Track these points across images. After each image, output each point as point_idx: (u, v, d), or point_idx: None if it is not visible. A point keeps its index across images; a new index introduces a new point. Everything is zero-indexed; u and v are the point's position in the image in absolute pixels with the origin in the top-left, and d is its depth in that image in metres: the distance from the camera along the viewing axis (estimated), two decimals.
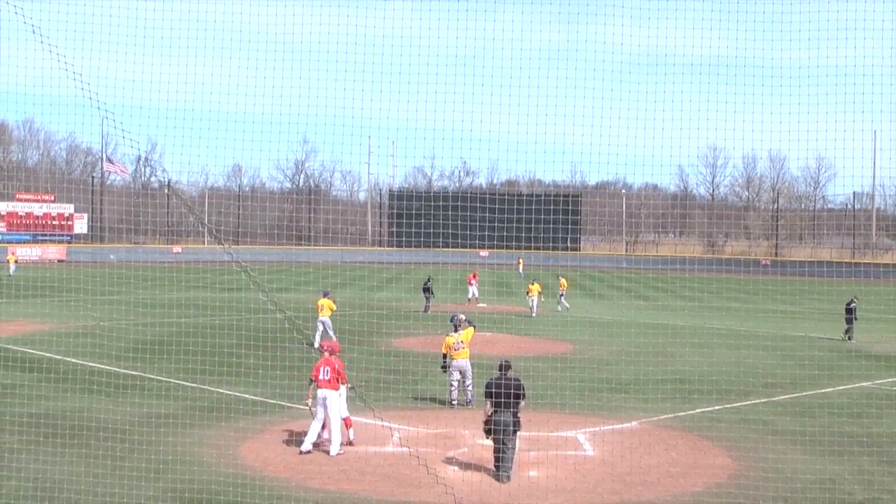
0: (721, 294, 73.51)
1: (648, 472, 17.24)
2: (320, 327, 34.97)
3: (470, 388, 23.06)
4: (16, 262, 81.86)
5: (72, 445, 18.39)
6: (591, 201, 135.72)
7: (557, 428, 20.78)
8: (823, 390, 26.91)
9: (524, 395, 17.07)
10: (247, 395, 24.27)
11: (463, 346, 22.95)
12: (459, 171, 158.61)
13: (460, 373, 23.04)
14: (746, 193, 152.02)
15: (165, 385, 25.90)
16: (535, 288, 50.45)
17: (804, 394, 26.30)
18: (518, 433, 17.01)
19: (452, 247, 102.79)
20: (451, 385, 23.06)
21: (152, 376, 27.28)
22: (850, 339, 39.95)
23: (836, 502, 15.70)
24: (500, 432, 16.68)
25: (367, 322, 42.92)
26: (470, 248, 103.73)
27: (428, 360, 30.91)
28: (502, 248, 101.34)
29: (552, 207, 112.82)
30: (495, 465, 16.85)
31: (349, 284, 77.01)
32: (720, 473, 17.47)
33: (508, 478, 16.58)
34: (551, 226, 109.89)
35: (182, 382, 26.25)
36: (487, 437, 17.12)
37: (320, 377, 18.62)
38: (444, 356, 23.23)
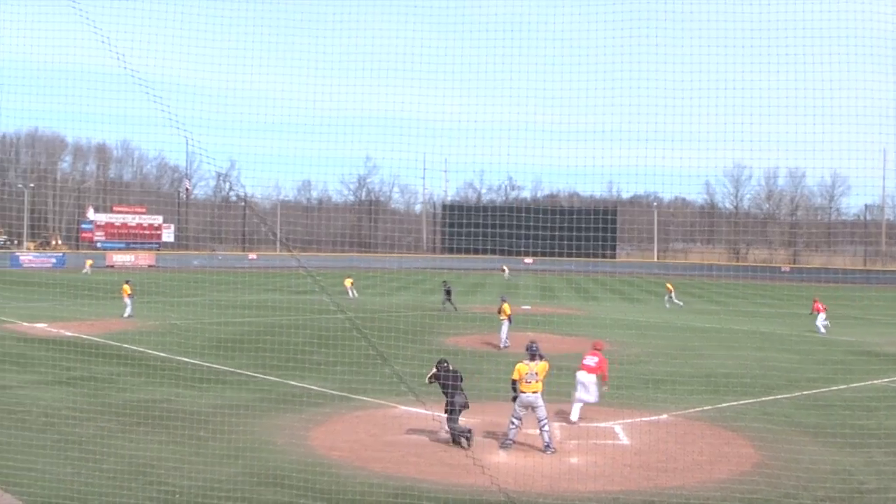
0: (746, 298, 72.65)
1: (678, 460, 17.09)
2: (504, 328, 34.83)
3: (546, 428, 18.14)
4: (91, 265, 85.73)
5: (160, 430, 18.64)
6: (627, 211, 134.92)
7: (595, 419, 20.71)
8: (840, 387, 26.51)
9: (462, 378, 18.82)
10: (314, 388, 24.37)
11: (537, 378, 18.35)
12: (506, 186, 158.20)
13: (528, 408, 18.31)
14: (767, 206, 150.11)
15: (241, 377, 26.15)
16: (507, 308, 35.68)
17: (822, 390, 25.93)
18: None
19: (499, 254, 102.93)
20: (514, 421, 18.39)
21: (230, 369, 27.55)
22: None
23: (851, 491, 15.49)
24: (459, 412, 18.32)
25: (422, 322, 42.96)
26: (515, 255, 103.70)
27: (476, 358, 30.95)
28: (545, 255, 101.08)
29: (591, 217, 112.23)
30: (465, 439, 18.24)
31: (406, 288, 77.16)
32: (744, 463, 17.28)
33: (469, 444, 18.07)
34: (591, 234, 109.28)
35: (256, 375, 26.47)
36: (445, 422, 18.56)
37: (585, 363, 20.82)
38: (514, 383, 18.57)
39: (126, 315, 42.73)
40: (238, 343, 32.38)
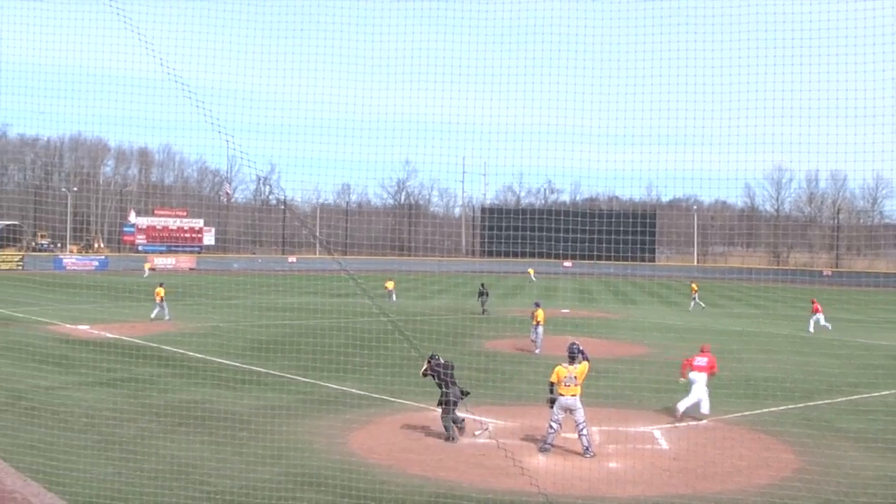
0: (785, 302, 71.90)
1: (718, 466, 16.96)
2: (538, 333, 34.68)
3: (585, 432, 17.90)
4: (152, 269, 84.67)
5: (200, 432, 18.78)
6: (666, 214, 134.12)
7: (635, 424, 20.61)
8: (882, 392, 26.19)
9: (454, 366, 19.40)
10: (354, 390, 24.44)
11: (576, 381, 18.19)
12: (545, 189, 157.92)
13: (567, 411, 18.11)
14: (808, 209, 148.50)
15: (281, 380, 26.27)
16: (541, 314, 35.31)
17: (864, 395, 25.61)
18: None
19: (538, 257, 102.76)
20: (553, 425, 18.15)
21: (269, 371, 27.66)
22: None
23: (894, 498, 15.26)
24: (455, 404, 18.70)
25: (462, 325, 42.96)
26: (554, 258, 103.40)
27: (516, 361, 30.94)
28: (584, 259, 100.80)
29: (630, 221, 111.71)
30: (457, 429, 18.86)
31: (446, 291, 77.20)
32: (785, 468, 17.11)
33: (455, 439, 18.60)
34: (630, 237, 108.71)
35: (296, 377, 26.58)
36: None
37: (696, 363, 22.14)
38: (552, 385, 18.56)
39: (153, 317, 43.02)
40: (278, 345, 32.54)
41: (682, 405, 21.70)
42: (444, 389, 18.91)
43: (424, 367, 19.48)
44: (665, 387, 24.68)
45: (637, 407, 22.40)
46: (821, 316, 46.04)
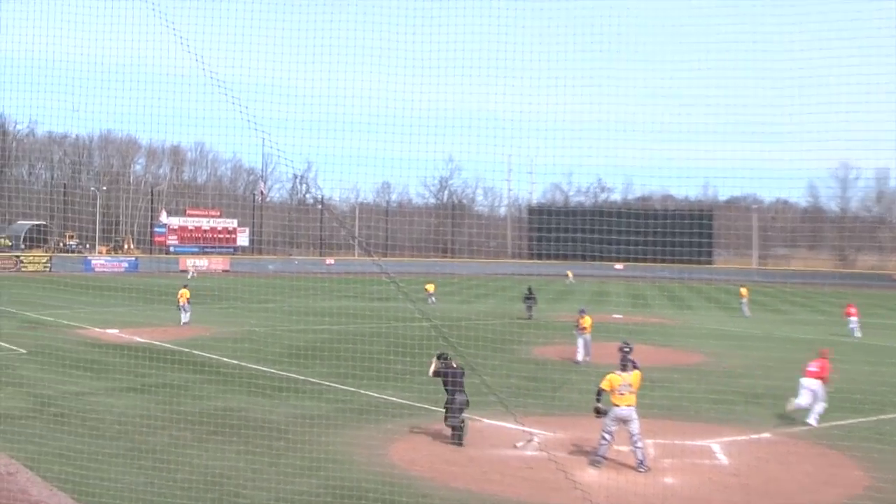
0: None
1: (781, 483, 16.78)
2: (581, 343, 34.24)
3: (639, 444, 17.69)
4: (194, 272, 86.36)
5: (234, 441, 18.92)
6: (723, 214, 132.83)
7: (692, 437, 20.43)
8: None
9: (464, 373, 19.70)
10: (394, 399, 24.48)
11: (631, 390, 17.89)
12: (595, 188, 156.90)
13: (621, 423, 17.77)
14: (877, 208, 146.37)
15: (318, 388, 26.39)
16: (587, 321, 34.39)
17: None
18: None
19: (588, 259, 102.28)
20: (606, 437, 17.87)
21: (307, 378, 27.72)
22: None
23: None
24: (459, 411, 19.36)
25: (509, 331, 42.88)
26: (605, 260, 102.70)
27: (566, 370, 30.88)
28: (637, 261, 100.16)
29: (686, 221, 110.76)
30: (457, 438, 19.30)
31: (491, 295, 77.14)
32: (854, 486, 16.85)
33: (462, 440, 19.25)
34: (686, 239, 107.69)
35: (334, 385, 26.71)
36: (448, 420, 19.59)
37: (809, 368, 23.20)
38: (600, 393, 18.16)
39: (183, 322, 43.40)
40: (316, 351, 32.61)
41: (796, 402, 22.86)
42: (449, 396, 19.46)
43: (433, 367, 20.24)
44: (724, 398, 24.43)
45: (694, 419, 22.20)
46: (854, 320, 47.12)
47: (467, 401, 19.54)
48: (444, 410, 19.75)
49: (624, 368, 18.19)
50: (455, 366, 19.95)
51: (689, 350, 38.22)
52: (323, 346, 35.09)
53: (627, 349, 18.83)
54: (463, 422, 19.54)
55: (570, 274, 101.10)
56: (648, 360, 31.30)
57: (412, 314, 45.21)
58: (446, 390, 19.63)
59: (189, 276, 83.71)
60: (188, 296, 44.32)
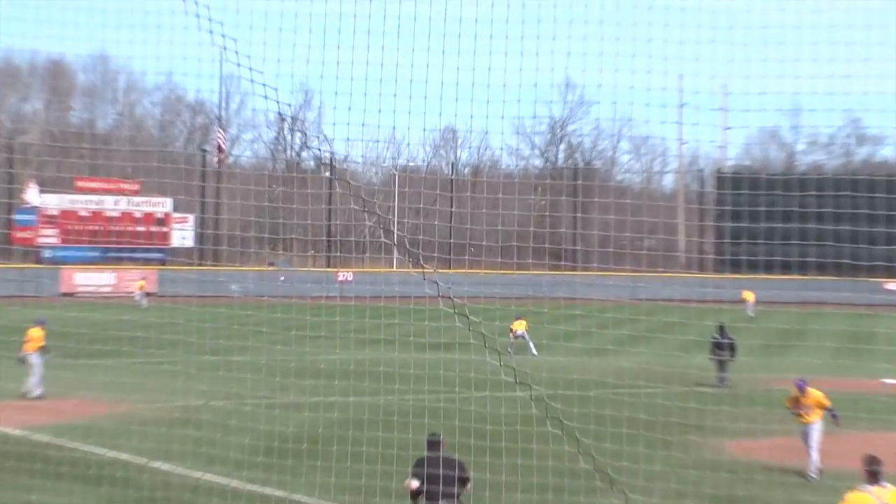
0: None
1: None
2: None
3: None
4: (142, 289, 64.78)
5: None
6: None
7: None
8: None
9: (468, 478, 14.75)
10: None
11: None
12: (847, 136, 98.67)
13: None
14: None
15: None
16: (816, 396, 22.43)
17: None
18: None
19: (832, 272, 64.83)
20: None
21: (296, 499, 19.89)
22: None
23: None
24: None
25: (679, 407, 28.22)
26: (865, 273, 72.37)
27: (787, 483, 22.58)
28: None
29: None
30: None
31: (644, 339, 51.40)
32: None
33: None
34: None
35: None
36: None
37: None
38: None
39: (26, 389, 29.45)
40: (314, 444, 22.54)
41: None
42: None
43: (409, 483, 14.79)
44: None
45: None
46: None
47: None
48: None
49: (872, 481, 13.27)
50: (441, 455, 14.92)
51: None
52: (327, 434, 24.20)
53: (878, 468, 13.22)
54: None
55: (749, 297, 68.42)
56: None
57: (498, 375, 29.71)
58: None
59: (143, 306, 60.23)
60: (39, 340, 29.83)
